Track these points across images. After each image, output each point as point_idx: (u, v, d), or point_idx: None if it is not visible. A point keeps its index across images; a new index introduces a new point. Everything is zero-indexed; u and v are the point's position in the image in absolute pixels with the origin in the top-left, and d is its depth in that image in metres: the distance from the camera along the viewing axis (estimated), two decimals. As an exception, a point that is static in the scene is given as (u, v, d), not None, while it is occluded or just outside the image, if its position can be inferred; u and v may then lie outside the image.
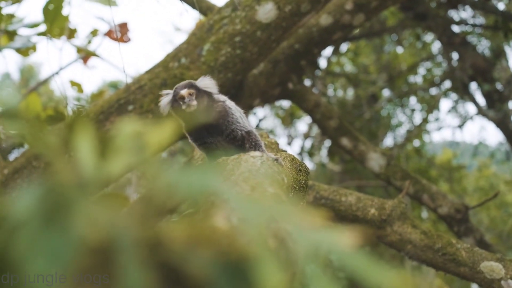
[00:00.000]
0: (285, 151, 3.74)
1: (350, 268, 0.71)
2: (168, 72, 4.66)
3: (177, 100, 2.63)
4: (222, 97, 2.82)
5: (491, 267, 3.96)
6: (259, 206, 0.80)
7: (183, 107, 2.59)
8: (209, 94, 2.71)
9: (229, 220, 0.73)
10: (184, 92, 2.60)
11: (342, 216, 4.46)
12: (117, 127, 0.90)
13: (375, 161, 5.86)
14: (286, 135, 11.66)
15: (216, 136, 2.72)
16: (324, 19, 5.59)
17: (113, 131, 0.89)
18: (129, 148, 0.86)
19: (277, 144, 3.83)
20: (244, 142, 2.86)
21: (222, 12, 4.73)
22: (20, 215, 0.61)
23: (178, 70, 4.64)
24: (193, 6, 5.59)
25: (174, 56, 4.76)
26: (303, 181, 3.00)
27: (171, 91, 2.71)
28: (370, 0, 5.40)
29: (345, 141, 5.94)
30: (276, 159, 2.50)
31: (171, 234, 0.73)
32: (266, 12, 4.56)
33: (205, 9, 5.67)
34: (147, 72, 4.82)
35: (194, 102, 2.58)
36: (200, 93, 2.65)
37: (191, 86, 2.64)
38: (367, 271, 0.73)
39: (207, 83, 2.71)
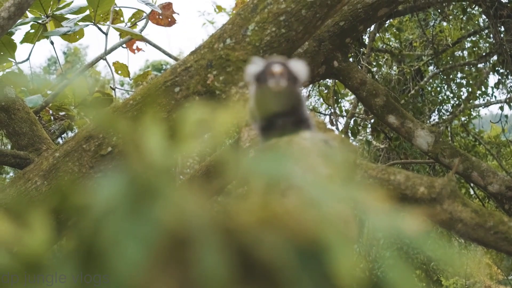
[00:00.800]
0: (333, 131, 3.75)
1: (423, 252, 0.71)
2: (213, 53, 4.68)
3: (265, 74, 2.58)
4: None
5: (545, 244, 3.89)
6: (326, 188, 0.81)
7: (270, 83, 2.52)
8: (295, 79, 2.66)
9: (300, 202, 0.73)
10: (277, 69, 2.54)
11: (390, 195, 4.43)
12: (183, 113, 0.91)
13: (423, 138, 5.79)
14: (330, 113, 11.60)
15: (285, 120, 2.67)
16: (369, -5, 5.54)
17: (179, 116, 0.91)
18: (196, 134, 0.87)
19: (325, 124, 3.82)
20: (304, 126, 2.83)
21: (266, -9, 4.72)
22: (105, 204, 0.63)
23: (224, 51, 4.65)
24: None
25: (219, 36, 4.77)
26: (352, 161, 3.00)
27: (261, 61, 2.66)
28: (416, -25, 5.32)
29: (392, 119, 5.88)
30: (327, 140, 2.49)
31: (242, 216, 0.74)
32: (310, -10, 4.53)
33: (248, -11, 5.66)
34: (193, 53, 4.84)
35: (284, 83, 2.53)
36: (291, 75, 2.61)
37: (285, 65, 2.55)
38: (441, 254, 0.73)
39: (300, 68, 2.65)
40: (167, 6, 7.27)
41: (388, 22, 11.39)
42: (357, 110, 11.12)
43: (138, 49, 8.05)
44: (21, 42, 6.34)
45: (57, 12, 6.42)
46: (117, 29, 7.06)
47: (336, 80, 7.95)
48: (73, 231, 0.60)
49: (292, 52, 5.04)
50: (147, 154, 0.79)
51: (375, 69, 11.51)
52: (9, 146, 6.86)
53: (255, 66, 2.68)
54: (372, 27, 9.77)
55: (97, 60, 7.37)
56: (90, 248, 0.59)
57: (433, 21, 11.71)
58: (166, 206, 0.64)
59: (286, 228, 0.70)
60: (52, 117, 7.21)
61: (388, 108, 5.94)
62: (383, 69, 11.80)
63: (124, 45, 7.73)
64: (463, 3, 10.31)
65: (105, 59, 6.97)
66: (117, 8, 7.07)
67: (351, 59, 8.84)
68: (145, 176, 0.66)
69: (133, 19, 7.58)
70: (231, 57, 4.62)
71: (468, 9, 10.98)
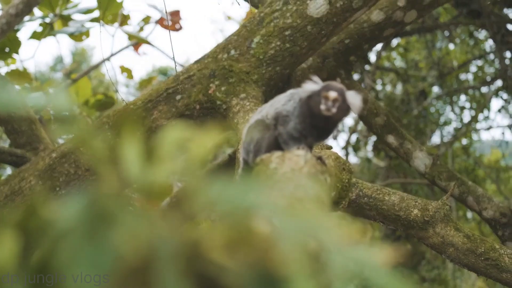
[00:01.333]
0: (330, 148, 3.74)
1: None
2: (217, 63, 4.70)
3: (320, 96, 2.54)
4: None
5: (535, 275, 3.91)
6: (299, 217, 0.82)
7: (322, 106, 2.49)
8: (347, 111, 2.65)
9: (268, 228, 0.74)
10: (333, 95, 2.48)
11: (384, 215, 4.44)
12: (163, 133, 0.92)
13: (421, 160, 5.79)
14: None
15: (313, 138, 2.68)
16: (376, 15, 5.54)
17: (159, 136, 0.92)
18: (174, 155, 0.88)
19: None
20: (312, 146, 2.85)
21: (273, 5, 4.74)
22: (65, 223, 0.64)
23: (227, 61, 4.67)
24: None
25: (224, 47, 4.79)
26: (346, 180, 3.00)
27: (320, 82, 2.67)
28: (423, -3, 5.34)
29: (391, 139, 5.89)
30: (320, 158, 2.50)
31: (208, 241, 0.75)
32: (317, 6, 4.55)
33: (256, 2, 5.69)
34: (197, 62, 4.86)
35: (334, 110, 2.48)
36: (344, 105, 2.60)
37: (340, 92, 2.51)
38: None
39: (355, 102, 2.64)
40: (175, 13, 7.30)
41: (395, 41, 11.45)
42: (360, 127, 11.13)
43: (144, 53, 8.09)
44: (29, 38, 6.36)
45: (65, 12, 6.45)
46: (125, 32, 7.11)
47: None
48: (35, 250, 0.62)
49: (295, 67, 5.06)
50: (121, 173, 0.81)
51: (380, 87, 11.55)
52: (7, 144, 6.87)
53: (313, 84, 2.67)
54: (379, 45, 9.81)
55: (102, 62, 7.40)
56: (45, 270, 0.61)
57: (440, 43, 11.74)
58: (126, 231, 0.65)
59: (249, 256, 0.71)
60: (52, 116, 7.23)
61: (388, 128, 5.95)
62: (387, 88, 11.84)
63: (132, 47, 7.77)
64: (470, 27, 10.34)
65: (105, 62, 7.00)
66: (125, 12, 7.10)
67: (356, 76, 8.87)
68: (108, 199, 0.67)
69: (142, 24, 7.62)
70: (234, 68, 4.64)
71: (475, 33, 11.02)
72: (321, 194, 1.98)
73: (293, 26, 4.60)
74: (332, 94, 2.52)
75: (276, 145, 2.68)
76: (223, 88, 4.58)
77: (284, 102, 2.73)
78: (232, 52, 4.71)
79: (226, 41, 4.85)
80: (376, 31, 5.60)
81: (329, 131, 2.70)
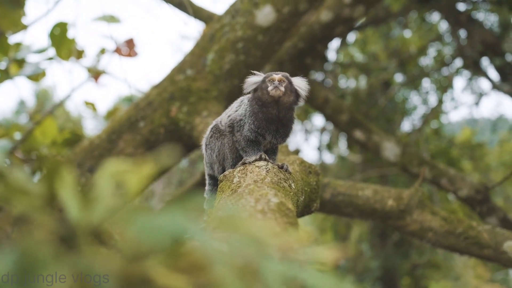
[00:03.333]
0: (298, 152, 3.77)
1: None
2: (175, 85, 4.71)
3: (265, 81, 2.64)
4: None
5: (514, 246, 3.96)
6: (235, 236, 0.84)
7: (270, 88, 2.59)
8: (296, 95, 2.72)
9: (199, 252, 0.76)
10: (277, 76, 2.62)
11: (360, 210, 4.48)
12: (99, 171, 0.94)
13: (390, 150, 5.85)
14: (303, 130, 11.68)
15: (272, 135, 2.70)
16: (325, 15, 5.61)
17: (95, 175, 0.93)
18: (111, 191, 0.89)
19: (287, 146, 3.86)
20: (276, 150, 2.88)
21: (222, 20, 4.77)
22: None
23: (185, 82, 4.69)
24: (193, 16, 5.63)
25: (179, 68, 4.81)
26: (314, 183, 3.03)
27: (261, 74, 2.75)
28: (368, -9, 5.41)
29: (358, 134, 5.94)
30: (282, 166, 2.52)
31: (154, 273, 0.77)
32: (265, 15, 4.59)
33: (205, 18, 5.71)
34: (155, 87, 4.87)
35: (282, 89, 2.59)
36: (291, 87, 2.67)
37: (285, 75, 2.66)
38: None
39: (301, 83, 2.73)
40: (129, 41, 7.29)
41: (352, 37, 11.55)
42: (330, 126, 11.19)
43: (104, 84, 8.06)
44: (-13, 86, 6.30)
45: (19, 55, 6.41)
46: (83, 66, 7.08)
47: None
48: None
49: (252, 77, 5.09)
50: (56, 218, 0.82)
51: (343, 83, 11.63)
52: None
53: (254, 77, 2.74)
54: (336, 43, 9.91)
55: (64, 99, 7.37)
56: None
57: (395, 32, 11.86)
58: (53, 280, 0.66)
59: (185, 279, 0.73)
60: (22, 160, 7.15)
61: (353, 123, 6.01)
62: (351, 83, 11.92)
63: (92, 79, 7.75)
64: (422, 12, 10.46)
65: (68, 98, 6.99)
66: (79, 48, 7.08)
67: (319, 76, 8.93)
68: (41, 247, 0.69)
69: (99, 55, 7.59)
70: (192, 88, 4.65)
71: (428, 17, 11.15)
72: (285, 201, 2.00)
73: (244, 38, 4.63)
74: (276, 76, 2.62)
75: (237, 150, 2.71)
76: (184, 109, 4.59)
77: (236, 108, 2.77)
78: (188, 72, 4.73)
79: (181, 62, 4.86)
80: (327, 30, 5.66)
81: (285, 123, 2.73)
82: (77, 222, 0.83)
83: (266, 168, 2.38)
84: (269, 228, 1.35)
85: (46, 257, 0.68)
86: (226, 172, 2.50)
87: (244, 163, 2.55)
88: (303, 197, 2.73)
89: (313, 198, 2.99)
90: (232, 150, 2.72)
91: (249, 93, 2.77)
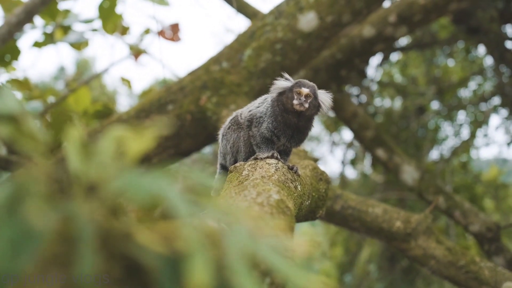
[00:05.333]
0: (317, 160, 3.82)
1: (278, 271, 0.81)
2: (209, 75, 4.79)
3: (293, 90, 2.69)
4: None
5: (513, 287, 3.96)
6: (212, 209, 0.90)
7: (295, 102, 2.64)
8: (318, 108, 2.78)
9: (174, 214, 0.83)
10: (305, 90, 2.66)
11: (367, 227, 4.51)
12: (103, 134, 1.01)
13: (409, 174, 5.87)
14: (330, 142, 11.69)
15: (287, 139, 2.76)
16: (367, 31, 5.64)
17: (101, 136, 1.01)
18: (111, 151, 0.97)
19: (306, 152, 3.91)
20: (289, 152, 2.93)
21: (265, 19, 4.83)
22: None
23: (219, 73, 4.76)
24: (238, 10, 5.71)
25: (216, 59, 4.89)
26: (323, 190, 3.08)
27: (291, 80, 2.79)
28: (414, 13, 5.42)
29: (380, 152, 5.97)
30: (292, 168, 2.58)
31: (130, 229, 0.84)
32: (307, 21, 4.64)
33: (250, 15, 5.79)
34: (190, 74, 4.96)
35: (306, 105, 2.65)
36: (315, 101, 2.72)
37: (312, 90, 2.70)
38: (294, 276, 0.82)
39: (326, 99, 2.78)
40: (175, 26, 7.41)
41: (395, 57, 11.52)
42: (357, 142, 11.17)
43: (143, 63, 8.20)
44: (31, 47, 6.47)
45: (65, 22, 6.57)
46: (125, 43, 7.22)
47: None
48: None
49: (286, 79, 5.15)
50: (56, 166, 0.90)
51: (379, 102, 11.61)
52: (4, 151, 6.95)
53: (283, 81, 2.79)
54: (377, 60, 9.91)
55: (101, 72, 7.51)
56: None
57: (439, 59, 11.80)
58: (38, 213, 0.74)
59: (157, 238, 0.80)
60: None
61: (377, 141, 6.03)
62: (387, 103, 11.88)
63: (133, 57, 7.88)
64: (468, 43, 10.41)
65: (106, 72, 7.11)
66: (125, 24, 7.21)
67: (355, 90, 8.95)
68: (27, 186, 0.76)
69: (142, 35, 7.72)
70: (225, 80, 4.73)
71: (473, 50, 11.08)
72: (286, 199, 2.06)
73: (283, 40, 4.69)
74: (305, 90, 2.65)
75: (251, 145, 2.78)
76: (214, 99, 4.67)
77: (258, 104, 2.83)
78: (224, 64, 4.81)
79: (218, 53, 4.95)
80: (367, 46, 5.69)
81: (302, 130, 2.79)
82: (75, 171, 0.91)
83: (275, 166, 2.45)
84: (254, 213, 1.41)
85: (37, 194, 0.75)
86: (237, 164, 2.57)
87: (256, 158, 2.62)
88: (309, 201, 2.79)
89: (319, 204, 3.04)
90: (246, 144, 2.79)
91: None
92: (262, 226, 0.95)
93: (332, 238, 13.82)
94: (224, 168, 2.98)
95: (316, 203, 3.00)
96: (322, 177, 3.12)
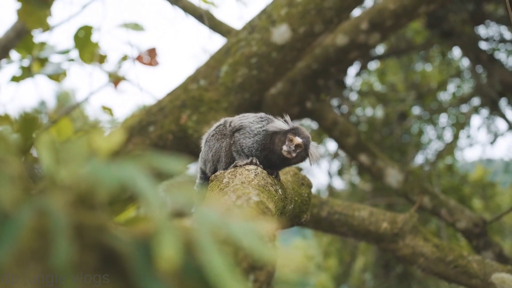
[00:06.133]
0: (298, 168, 3.86)
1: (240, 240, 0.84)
2: (187, 94, 4.83)
3: (286, 136, 2.69)
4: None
5: (502, 278, 4.00)
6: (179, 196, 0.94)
7: (284, 147, 2.65)
8: (304, 159, 2.78)
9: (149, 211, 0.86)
10: (298, 140, 2.65)
11: (355, 230, 4.55)
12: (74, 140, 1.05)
13: (393, 177, 5.92)
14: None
15: (264, 166, 2.77)
16: (340, 39, 5.72)
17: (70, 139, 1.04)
18: (80, 154, 1.01)
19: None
20: None
21: (239, 35, 4.90)
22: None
23: (197, 91, 4.81)
24: (211, 28, 5.78)
25: (193, 78, 4.94)
26: (306, 194, 3.12)
27: (289, 123, 2.77)
28: (385, 19, 5.50)
29: (363, 158, 6.02)
30: (272, 173, 2.62)
31: (102, 220, 0.88)
32: (280, 33, 4.71)
33: (225, 32, 5.85)
34: (168, 94, 5.00)
35: (294, 154, 2.65)
36: (304, 153, 2.72)
37: (305, 142, 2.69)
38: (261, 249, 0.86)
39: (316, 154, 2.76)
40: (152, 50, 7.46)
41: (373, 65, 11.64)
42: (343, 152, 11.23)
43: (123, 90, 8.22)
44: (9, 81, 6.47)
45: (42, 54, 6.59)
46: (104, 71, 7.25)
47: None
48: None
49: (263, 93, 5.21)
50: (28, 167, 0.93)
51: (360, 111, 11.70)
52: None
53: (283, 124, 2.77)
54: (355, 70, 10.01)
55: (81, 102, 7.54)
56: None
57: (416, 64, 11.93)
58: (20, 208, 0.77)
59: (135, 228, 0.84)
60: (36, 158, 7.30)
61: (360, 147, 6.09)
62: (368, 112, 11.98)
63: (112, 85, 7.89)
64: (444, 47, 10.53)
65: (87, 101, 7.12)
66: (102, 52, 7.24)
67: (335, 102, 9.02)
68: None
69: (119, 61, 7.75)
70: (204, 98, 4.77)
71: (449, 53, 11.22)
72: (265, 201, 2.10)
73: (258, 54, 4.75)
74: (298, 140, 2.66)
75: (232, 155, 2.81)
76: (194, 117, 4.71)
77: (253, 121, 2.84)
78: (202, 82, 4.86)
79: (195, 72, 4.99)
80: (341, 54, 5.76)
81: (279, 168, 2.82)
82: (46, 168, 0.94)
83: (255, 172, 2.48)
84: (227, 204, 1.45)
85: (10, 190, 0.79)
86: (217, 173, 2.61)
87: (235, 166, 2.65)
88: (292, 206, 2.82)
89: (303, 209, 3.07)
90: (227, 155, 2.82)
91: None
92: (232, 212, 0.99)
93: (325, 249, 13.83)
94: (204, 173, 3.00)
95: (300, 207, 3.03)
96: (304, 181, 3.16)
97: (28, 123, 0.96)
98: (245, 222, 0.92)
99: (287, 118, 2.82)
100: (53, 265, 0.78)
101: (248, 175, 2.44)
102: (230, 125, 2.89)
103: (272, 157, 2.73)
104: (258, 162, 2.67)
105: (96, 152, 1.04)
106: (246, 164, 2.64)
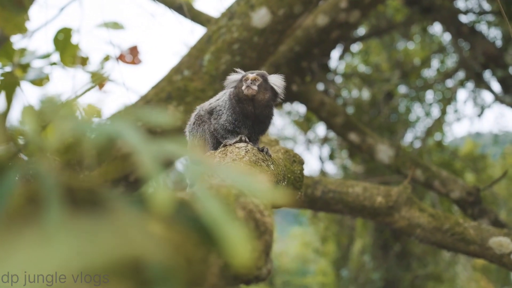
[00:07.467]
0: (279, 145, 3.85)
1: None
2: (172, 85, 4.80)
3: (241, 80, 2.74)
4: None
5: (500, 242, 4.02)
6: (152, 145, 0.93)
7: (243, 87, 2.69)
8: (274, 92, 2.82)
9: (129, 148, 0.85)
10: (251, 75, 2.71)
11: (350, 207, 4.55)
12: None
13: (384, 152, 5.93)
14: (305, 141, 11.75)
15: (248, 130, 2.79)
16: (321, 19, 5.71)
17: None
18: (63, 116, 0.99)
19: (277, 141, 3.94)
20: (256, 141, 2.96)
21: (219, 22, 4.87)
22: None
23: (182, 82, 4.78)
24: (191, 19, 5.75)
25: (177, 69, 4.91)
26: (298, 171, 3.11)
27: (242, 72, 2.85)
28: (363, -4, 5.51)
29: (353, 136, 6.03)
30: (262, 149, 2.61)
31: (93, 182, 0.87)
32: (260, 17, 4.69)
33: (204, 22, 5.83)
34: (153, 87, 4.97)
35: (255, 87, 2.68)
36: (266, 85, 2.75)
37: (260, 74, 2.74)
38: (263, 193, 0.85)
39: (277, 80, 2.80)
40: (133, 48, 7.41)
41: (356, 48, 11.65)
42: (332, 135, 11.25)
43: (107, 90, 8.18)
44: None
45: (23, 61, 6.53)
46: (87, 72, 7.20)
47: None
48: None
49: (248, 78, 5.18)
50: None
51: (346, 94, 11.71)
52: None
53: (235, 74, 2.85)
54: (338, 53, 10.01)
55: (66, 104, 7.48)
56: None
57: (399, 43, 11.95)
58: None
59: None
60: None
61: (348, 126, 6.09)
62: (354, 94, 11.99)
63: (96, 86, 7.84)
64: (424, 23, 10.55)
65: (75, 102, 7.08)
66: (83, 54, 7.19)
67: (320, 86, 9.02)
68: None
69: (102, 62, 7.70)
70: (189, 88, 4.75)
71: (430, 29, 11.24)
72: (260, 176, 2.09)
73: (240, 39, 4.73)
74: (250, 75, 2.72)
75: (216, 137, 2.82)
76: (181, 108, 4.69)
77: (218, 98, 2.89)
78: (186, 72, 4.83)
79: (178, 63, 4.97)
80: (323, 34, 5.76)
81: (261, 119, 2.83)
82: (32, 135, 0.93)
83: (245, 149, 2.48)
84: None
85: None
86: (207, 154, 2.60)
87: (225, 145, 2.65)
88: (285, 182, 2.81)
89: (297, 186, 3.06)
90: (212, 135, 2.83)
91: None
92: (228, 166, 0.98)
93: (323, 234, 13.87)
94: None
95: (294, 185, 3.02)
96: (296, 158, 3.15)
97: (8, 86, 0.95)
98: (241, 172, 0.92)
99: (238, 69, 2.89)
100: (46, 229, 0.77)
101: (239, 153, 2.43)
102: (203, 110, 2.93)
103: (246, 109, 2.75)
104: (247, 140, 2.68)
105: (82, 115, 1.03)
106: (236, 142, 2.64)
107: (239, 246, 0.76)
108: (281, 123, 12.67)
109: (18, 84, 1.00)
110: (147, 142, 0.84)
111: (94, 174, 0.87)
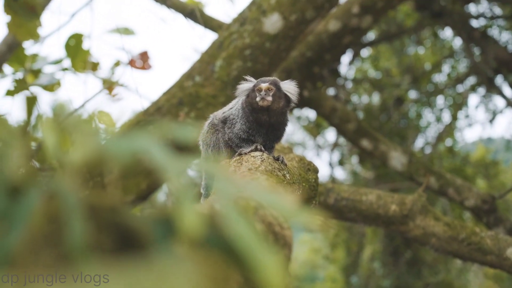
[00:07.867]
0: (293, 153, 3.81)
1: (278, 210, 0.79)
2: (183, 91, 4.77)
3: (254, 90, 2.69)
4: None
5: (518, 252, 3.96)
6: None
7: (257, 99, 2.64)
8: (287, 99, 2.77)
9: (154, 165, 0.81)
10: (264, 85, 2.66)
11: (364, 215, 4.50)
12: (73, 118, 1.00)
13: (397, 159, 5.88)
14: (315, 146, 11.71)
15: (263, 138, 2.76)
16: (333, 25, 5.67)
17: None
18: (85, 132, 0.95)
19: (290, 149, 3.90)
20: (271, 149, 2.91)
21: (230, 28, 4.84)
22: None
23: (193, 88, 4.75)
24: (203, 25, 5.72)
25: (188, 75, 4.88)
26: (313, 180, 3.06)
27: (253, 80, 2.80)
28: (375, 1, 5.46)
29: (365, 143, 5.98)
30: (278, 158, 2.57)
31: (116, 202, 0.82)
32: (272, 23, 4.65)
33: (216, 27, 5.80)
34: (164, 93, 4.94)
35: (270, 98, 2.63)
36: (280, 93, 2.71)
37: (273, 83, 2.69)
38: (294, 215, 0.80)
39: (290, 87, 2.76)
40: (144, 54, 7.40)
41: (366, 53, 11.59)
42: (342, 141, 11.20)
43: (119, 96, 8.16)
44: (5, 95, 6.42)
45: (35, 66, 6.54)
46: (97, 77, 7.19)
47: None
48: None
49: (260, 84, 5.15)
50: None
51: (356, 99, 11.65)
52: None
53: (246, 83, 2.81)
54: (349, 58, 9.96)
55: (76, 109, 7.47)
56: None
57: (409, 48, 11.88)
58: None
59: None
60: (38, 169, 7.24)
61: (361, 132, 6.04)
62: (365, 99, 11.93)
63: (106, 91, 7.84)
64: (435, 28, 10.48)
65: (85, 107, 7.06)
66: (94, 59, 7.19)
67: (331, 91, 8.98)
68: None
69: (112, 67, 7.69)
70: (200, 94, 4.71)
71: (441, 33, 11.17)
72: (275, 185, 2.05)
73: (252, 45, 4.69)
74: (264, 85, 2.66)
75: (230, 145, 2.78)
76: (192, 114, 4.65)
77: (231, 106, 2.84)
78: (197, 78, 4.80)
79: (190, 69, 4.94)
80: (335, 39, 5.71)
81: (276, 127, 2.78)
82: (52, 148, 0.89)
83: (261, 158, 2.43)
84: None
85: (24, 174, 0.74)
86: (222, 163, 2.55)
87: (240, 154, 2.61)
88: (300, 191, 2.77)
89: (311, 195, 3.02)
90: (226, 144, 2.79)
91: None
92: (252, 182, 0.93)
93: (332, 241, 13.79)
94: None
95: (308, 193, 2.98)
96: (310, 167, 3.11)
97: (30, 102, 0.91)
98: (267, 190, 0.87)
99: (248, 77, 2.84)
100: (68, 247, 0.73)
101: (255, 162, 2.38)
102: (217, 119, 2.89)
103: (260, 118, 2.71)
104: (263, 148, 2.63)
105: (103, 129, 0.99)
106: (251, 151, 2.59)
107: (273, 273, 0.71)
108: (290, 129, 12.64)
109: (36, 99, 0.97)
110: (174, 158, 0.80)
111: (116, 190, 0.83)
